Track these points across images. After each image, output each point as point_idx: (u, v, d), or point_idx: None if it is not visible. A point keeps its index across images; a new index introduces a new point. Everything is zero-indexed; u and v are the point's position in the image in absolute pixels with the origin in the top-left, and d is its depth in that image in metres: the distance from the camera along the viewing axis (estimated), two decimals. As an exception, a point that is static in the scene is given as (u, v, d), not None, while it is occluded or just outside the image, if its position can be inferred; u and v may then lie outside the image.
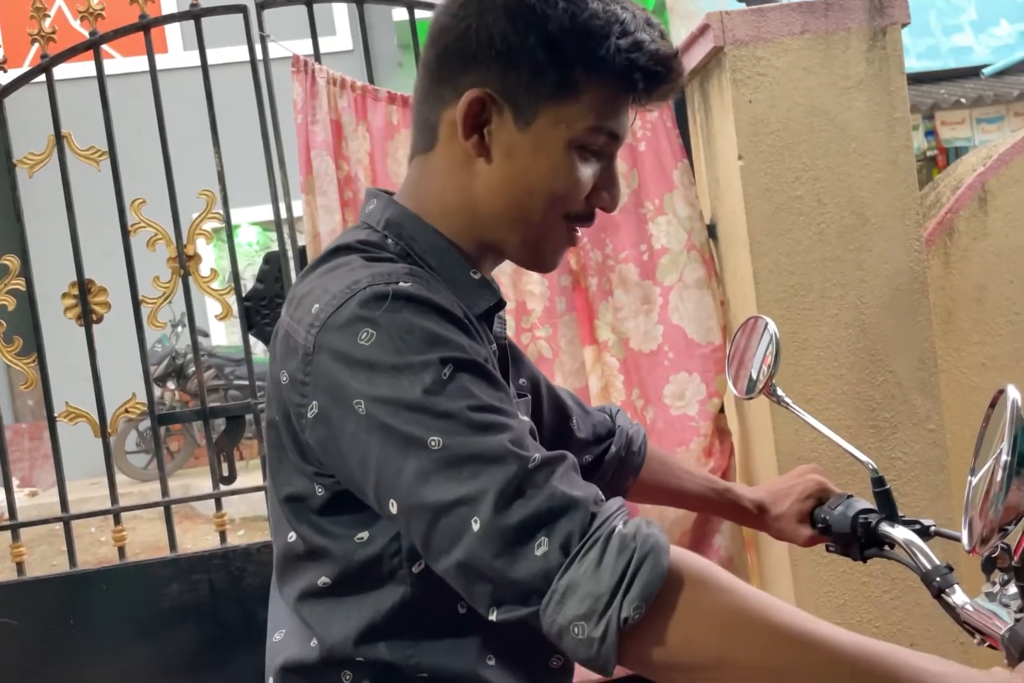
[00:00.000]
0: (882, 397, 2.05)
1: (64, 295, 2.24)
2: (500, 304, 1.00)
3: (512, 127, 0.92)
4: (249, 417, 2.37)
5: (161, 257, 2.25)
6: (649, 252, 2.15)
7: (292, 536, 0.95)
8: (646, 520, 0.81)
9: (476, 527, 0.78)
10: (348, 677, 0.94)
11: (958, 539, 1.05)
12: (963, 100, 7.68)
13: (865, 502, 1.20)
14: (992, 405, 0.94)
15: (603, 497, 0.82)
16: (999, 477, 0.86)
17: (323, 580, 0.93)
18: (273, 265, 2.30)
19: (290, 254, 2.28)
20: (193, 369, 7.80)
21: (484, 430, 0.81)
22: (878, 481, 1.17)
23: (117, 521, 2.28)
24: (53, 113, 2.24)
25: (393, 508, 0.82)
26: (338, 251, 0.95)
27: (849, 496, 1.21)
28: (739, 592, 0.79)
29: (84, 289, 2.23)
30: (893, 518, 1.15)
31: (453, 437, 0.80)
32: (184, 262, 2.25)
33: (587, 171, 0.94)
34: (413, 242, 0.96)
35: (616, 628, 0.75)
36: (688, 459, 2.09)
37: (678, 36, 8.39)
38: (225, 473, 2.29)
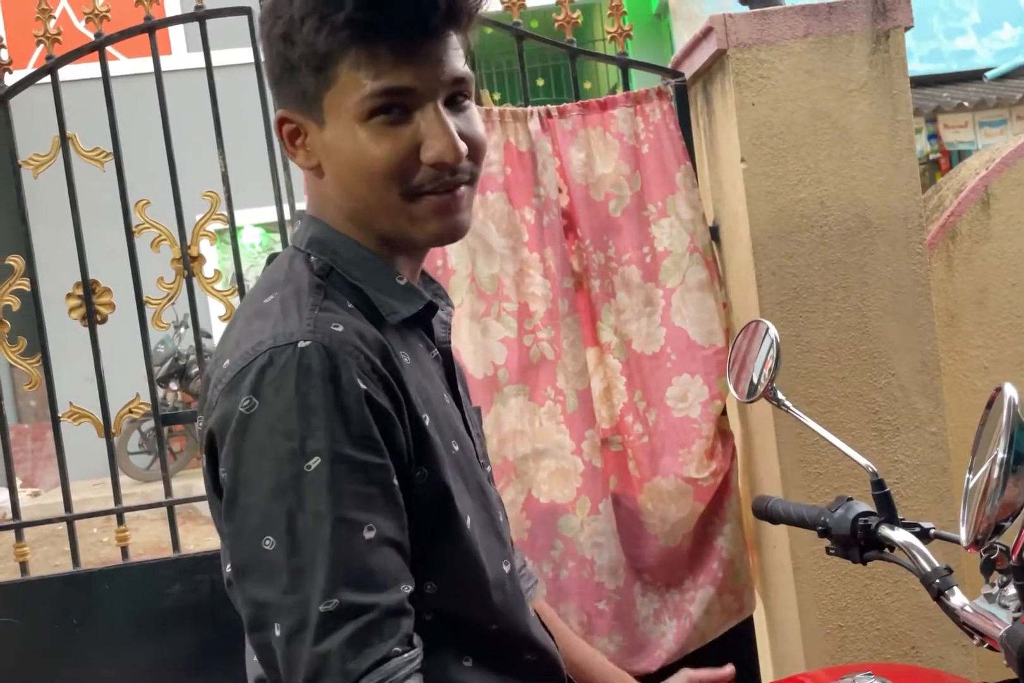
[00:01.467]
0: (884, 400, 2.05)
1: (68, 295, 2.25)
2: (430, 307, 1.01)
3: (316, 131, 0.96)
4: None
5: (165, 258, 2.26)
6: (652, 254, 2.15)
7: (228, 568, 0.95)
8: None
9: (277, 633, 0.85)
10: None
11: (957, 541, 1.06)
12: (966, 103, 7.68)
13: (865, 505, 1.20)
14: (989, 405, 0.95)
15: (390, 657, 0.84)
16: (996, 474, 0.88)
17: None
18: (277, 266, 2.30)
19: (293, 255, 2.28)
20: (196, 370, 7.83)
21: (312, 545, 0.84)
22: (878, 484, 1.17)
23: (120, 521, 2.29)
24: (58, 114, 2.25)
25: (240, 596, 0.90)
26: (265, 290, 0.98)
27: (849, 498, 1.22)
28: None
29: (88, 289, 2.24)
30: (893, 521, 1.16)
31: (280, 541, 0.84)
32: (188, 263, 2.26)
33: (394, 136, 0.92)
34: (336, 256, 0.99)
35: None
36: (691, 461, 2.09)
37: (681, 39, 8.39)
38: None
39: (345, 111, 0.93)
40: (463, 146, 0.93)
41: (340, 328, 0.90)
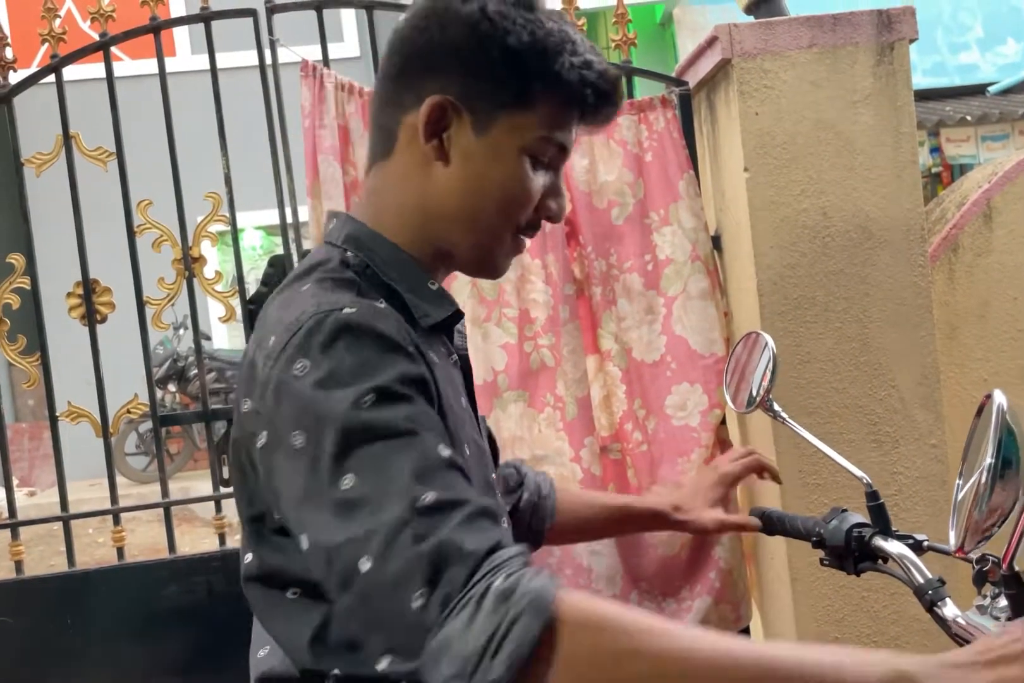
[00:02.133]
0: (884, 411, 2.05)
1: (69, 294, 2.25)
2: (458, 314, 1.03)
3: (470, 133, 0.97)
4: (250, 420, 2.37)
5: (166, 258, 2.26)
6: (653, 262, 2.15)
7: (248, 557, 0.98)
8: (536, 569, 0.80)
9: (364, 569, 0.79)
10: None
11: (950, 553, 1.07)
12: (968, 117, 7.71)
13: (859, 516, 1.21)
14: (979, 412, 0.96)
15: (502, 545, 0.81)
16: (984, 479, 0.89)
17: (292, 591, 0.95)
18: (278, 268, 2.30)
19: (295, 258, 2.28)
20: (194, 372, 7.83)
21: (390, 466, 0.82)
22: (872, 495, 1.18)
23: (116, 522, 2.28)
24: (62, 113, 2.25)
25: (304, 544, 0.85)
26: (299, 278, 0.99)
27: (843, 510, 1.22)
28: (623, 631, 0.77)
29: (89, 289, 2.24)
30: (887, 532, 1.16)
31: (360, 475, 0.82)
32: (189, 264, 2.25)
33: (538, 180, 0.99)
34: (372, 254, 1.00)
35: None
36: (689, 470, 2.09)
37: (685, 48, 8.41)
38: (225, 476, 2.28)
39: (517, 137, 0.97)
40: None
41: (383, 305, 0.93)
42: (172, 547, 2.27)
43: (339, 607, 0.84)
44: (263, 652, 1.00)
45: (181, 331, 8.01)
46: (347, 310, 0.89)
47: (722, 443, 2.15)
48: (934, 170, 8.13)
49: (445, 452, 0.85)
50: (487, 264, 1.03)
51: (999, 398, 0.92)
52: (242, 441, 0.94)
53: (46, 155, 2.21)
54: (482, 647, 0.74)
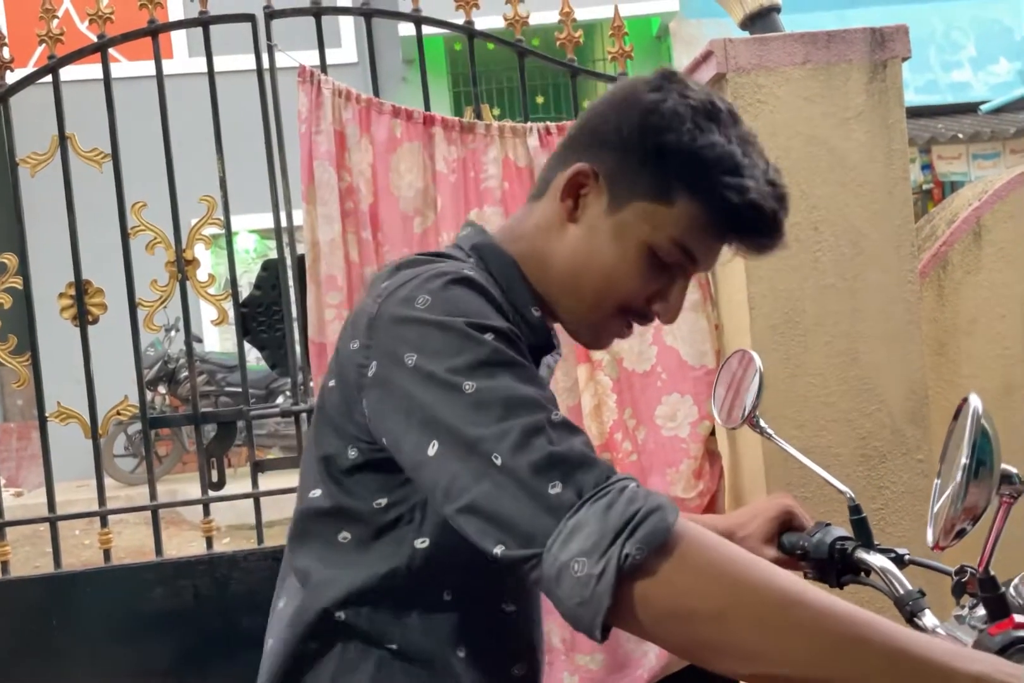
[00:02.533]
0: (872, 426, 2.06)
1: (61, 295, 2.24)
2: (549, 346, 1.06)
3: (603, 207, 1.01)
4: (240, 424, 2.37)
5: (159, 261, 2.26)
6: (646, 273, 2.16)
7: (317, 492, 1.00)
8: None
9: (498, 463, 0.82)
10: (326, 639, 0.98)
11: (932, 568, 1.12)
12: (960, 135, 7.76)
13: (842, 530, 1.23)
14: (956, 416, 1.00)
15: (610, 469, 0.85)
16: (959, 479, 0.92)
17: (343, 536, 0.99)
18: (271, 272, 2.30)
19: (288, 262, 2.28)
20: (185, 374, 7.81)
21: (516, 380, 0.87)
22: (855, 509, 1.21)
23: (104, 524, 2.27)
24: (58, 113, 2.25)
25: (432, 450, 0.86)
26: (417, 256, 1.04)
27: (827, 524, 1.24)
28: (745, 556, 0.81)
29: (81, 290, 2.24)
30: (869, 545, 1.18)
31: (487, 382, 0.86)
32: (182, 266, 2.26)
33: (652, 275, 1.01)
34: (491, 265, 1.04)
35: (616, 565, 0.76)
36: (678, 480, 2.10)
37: (680, 61, 8.46)
38: (214, 479, 2.28)
39: (644, 229, 0.99)
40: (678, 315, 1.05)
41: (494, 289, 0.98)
42: (159, 550, 2.27)
43: (461, 504, 0.84)
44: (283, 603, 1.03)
45: (172, 333, 7.98)
46: (466, 272, 0.95)
47: (711, 454, 2.16)
48: (925, 187, 8.18)
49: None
50: (580, 332, 1.06)
51: (975, 402, 0.95)
52: (337, 382, 0.98)
53: (41, 155, 2.22)
54: (620, 527, 0.77)
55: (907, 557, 1.16)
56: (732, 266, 2.15)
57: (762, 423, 1.31)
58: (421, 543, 0.96)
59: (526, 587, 1.05)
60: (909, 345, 2.07)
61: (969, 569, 1.00)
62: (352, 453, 0.96)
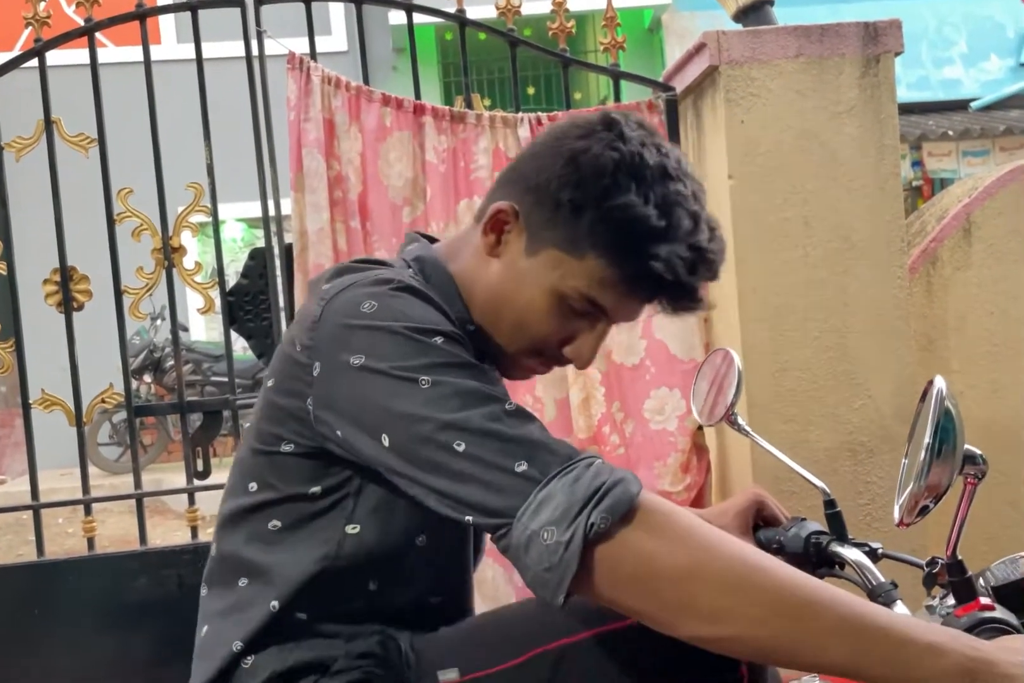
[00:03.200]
0: (860, 421, 2.06)
1: (45, 281, 2.22)
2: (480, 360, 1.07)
3: (522, 248, 1.01)
4: (227, 413, 2.35)
5: (145, 248, 2.24)
6: (635, 266, 2.15)
7: (253, 486, 1.02)
8: None
9: (460, 449, 0.86)
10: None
11: (904, 560, 1.17)
12: (950, 132, 7.77)
13: (817, 524, 1.26)
14: (923, 398, 1.03)
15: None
16: (922, 458, 0.96)
17: (273, 523, 1.01)
18: (258, 261, 2.29)
19: (276, 251, 2.27)
20: (170, 363, 7.77)
21: (468, 377, 0.90)
22: (829, 504, 1.23)
23: (88, 512, 2.26)
24: (44, 98, 2.22)
25: (385, 442, 0.89)
26: (357, 262, 1.06)
27: (802, 519, 1.27)
28: (707, 526, 0.85)
29: (66, 276, 2.22)
30: (843, 539, 1.21)
31: (441, 378, 0.89)
32: (169, 254, 2.24)
33: (562, 321, 1.01)
34: (432, 279, 1.05)
35: (583, 533, 0.81)
36: (666, 474, 2.10)
37: (672, 54, 8.44)
38: (200, 468, 2.27)
39: (555, 276, 0.99)
40: (592, 361, 1.05)
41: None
42: (143, 539, 2.25)
43: (427, 487, 0.88)
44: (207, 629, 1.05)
45: (158, 322, 7.94)
46: (408, 281, 0.96)
47: (698, 448, 2.16)
48: (915, 184, 8.19)
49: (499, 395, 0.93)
50: (497, 361, 1.07)
51: (939, 383, 0.98)
52: (277, 380, 0.99)
53: (27, 139, 2.19)
54: (587, 497, 0.82)
55: (880, 551, 1.20)
56: (722, 260, 2.14)
57: (740, 420, 1.34)
58: (352, 529, 0.98)
59: (454, 581, 1.09)
60: (898, 341, 2.08)
61: (940, 560, 1.04)
62: (286, 447, 0.99)
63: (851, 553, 1.17)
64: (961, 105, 8.54)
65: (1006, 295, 2.27)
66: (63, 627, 2.14)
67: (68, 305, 2.22)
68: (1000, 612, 0.99)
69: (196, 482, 2.29)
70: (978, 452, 1.00)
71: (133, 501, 2.30)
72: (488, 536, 0.92)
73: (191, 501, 2.29)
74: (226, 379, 2.33)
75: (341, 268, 1.03)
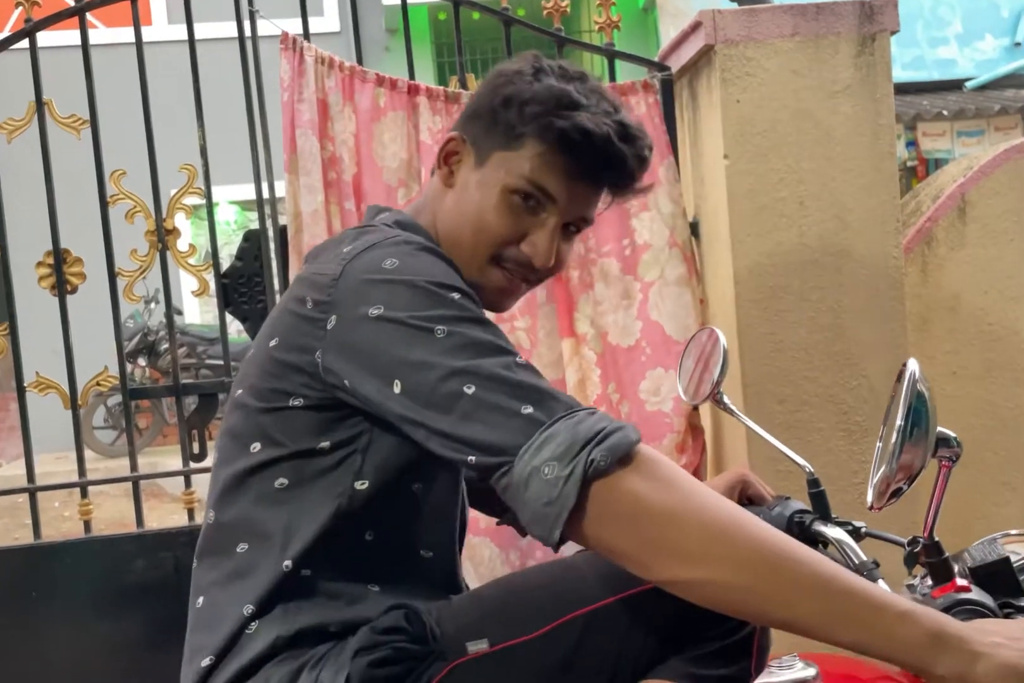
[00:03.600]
0: (855, 401, 2.07)
1: (39, 264, 2.21)
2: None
3: (472, 165, 1.12)
4: (222, 396, 2.35)
5: (139, 230, 2.23)
6: (631, 247, 2.15)
7: (256, 446, 1.04)
8: None
9: (470, 392, 0.90)
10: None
11: (886, 539, 1.19)
12: (945, 112, 7.75)
13: (801, 503, 1.28)
14: (899, 379, 1.04)
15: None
16: (893, 439, 0.97)
17: (280, 482, 1.03)
18: (253, 243, 2.28)
19: (270, 233, 2.26)
20: (165, 346, 7.75)
21: (483, 331, 0.95)
22: (813, 483, 1.26)
23: (84, 495, 2.26)
24: (35, 79, 2.21)
25: (396, 387, 0.93)
26: (373, 225, 1.11)
27: (787, 498, 1.29)
28: (698, 481, 0.91)
29: (59, 259, 2.21)
30: (827, 518, 1.22)
31: (456, 329, 0.93)
32: (163, 236, 2.23)
33: (515, 217, 1.09)
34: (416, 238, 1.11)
35: (583, 469, 0.85)
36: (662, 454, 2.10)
37: (667, 34, 8.39)
38: (195, 451, 2.27)
39: (503, 174, 1.09)
40: (551, 260, 1.11)
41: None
42: (140, 521, 2.26)
43: (434, 429, 0.91)
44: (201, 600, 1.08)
45: (152, 305, 7.92)
46: (424, 242, 1.03)
47: (694, 429, 2.17)
48: (910, 164, 8.17)
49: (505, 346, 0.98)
50: (481, 296, 1.09)
51: (912, 366, 0.99)
52: (281, 338, 1.02)
53: (18, 121, 2.17)
54: (589, 437, 0.87)
55: (863, 530, 1.22)
56: (718, 240, 2.14)
57: (725, 399, 1.35)
58: (361, 485, 1.01)
59: (444, 538, 1.12)
60: (892, 321, 2.08)
61: (921, 540, 1.05)
62: (295, 402, 1.01)
63: (834, 532, 1.18)
64: (956, 85, 8.51)
65: (1001, 275, 2.27)
66: (60, 609, 2.14)
67: (62, 288, 2.21)
68: (976, 593, 1.00)
69: (192, 464, 2.29)
70: (952, 434, 1.01)
71: (129, 484, 2.30)
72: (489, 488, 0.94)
73: (187, 483, 2.29)
74: (221, 362, 2.32)
75: (362, 230, 1.09)
